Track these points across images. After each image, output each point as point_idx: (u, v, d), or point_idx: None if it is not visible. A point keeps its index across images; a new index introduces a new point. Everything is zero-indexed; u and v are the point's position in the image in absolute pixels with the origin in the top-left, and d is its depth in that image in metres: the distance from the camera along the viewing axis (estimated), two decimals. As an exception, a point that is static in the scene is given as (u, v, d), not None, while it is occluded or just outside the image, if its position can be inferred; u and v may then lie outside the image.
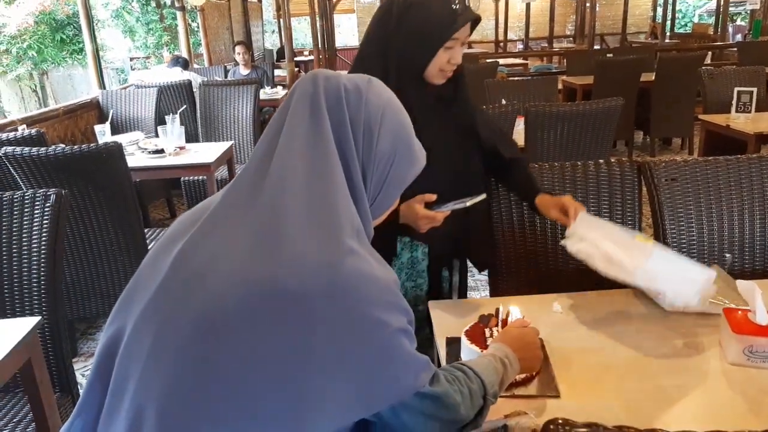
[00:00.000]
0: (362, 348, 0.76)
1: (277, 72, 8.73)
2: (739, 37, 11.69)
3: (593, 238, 1.39)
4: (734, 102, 3.87)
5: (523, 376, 1.17)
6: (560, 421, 0.68)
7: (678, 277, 1.32)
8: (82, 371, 2.68)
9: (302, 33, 16.17)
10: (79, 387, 1.89)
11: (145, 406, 0.75)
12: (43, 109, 4.52)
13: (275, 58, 11.20)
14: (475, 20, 1.42)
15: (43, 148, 2.46)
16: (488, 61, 6.91)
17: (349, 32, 17.20)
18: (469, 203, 1.36)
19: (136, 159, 3.21)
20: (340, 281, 0.75)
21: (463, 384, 0.91)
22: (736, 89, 3.89)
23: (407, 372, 0.80)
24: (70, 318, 2.75)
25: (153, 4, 9.69)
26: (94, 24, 5.13)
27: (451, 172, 1.49)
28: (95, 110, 4.63)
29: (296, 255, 0.75)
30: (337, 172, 0.82)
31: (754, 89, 3.84)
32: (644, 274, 1.32)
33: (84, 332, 3.05)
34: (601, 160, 1.83)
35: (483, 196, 1.40)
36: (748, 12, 12.79)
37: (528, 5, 12.99)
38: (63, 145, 2.56)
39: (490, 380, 0.96)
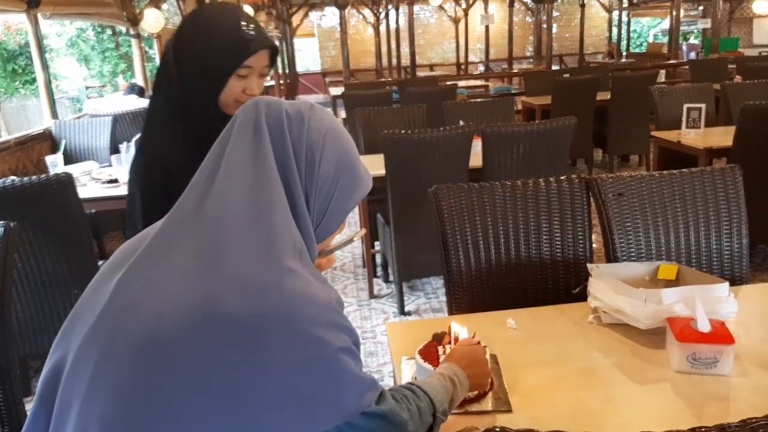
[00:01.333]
0: (303, 368, 0.76)
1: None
2: (693, 55, 12.14)
3: (602, 295, 1.47)
4: (684, 118, 4.00)
5: (475, 393, 1.17)
6: (497, 429, 0.70)
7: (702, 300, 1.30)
8: (36, 409, 2.60)
9: (264, 59, 16.18)
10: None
11: (89, 428, 0.74)
12: (-6, 141, 4.43)
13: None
14: (273, 48, 1.38)
15: (-8, 181, 2.41)
16: (448, 84, 7.02)
17: (310, 56, 17.31)
18: (355, 239, 1.38)
19: (89, 189, 3.16)
20: (278, 301, 0.75)
21: (411, 402, 0.91)
22: (685, 106, 4.03)
23: (351, 391, 0.80)
24: (23, 355, 2.66)
25: (108, 32, 9.61)
26: (47, 53, 5.06)
27: None
28: (48, 141, 4.55)
29: (235, 277, 0.76)
30: (278, 194, 0.83)
31: (703, 105, 3.99)
32: (655, 315, 1.34)
33: (38, 370, 2.95)
34: (551, 178, 1.87)
35: (364, 231, 1.43)
36: (700, 30, 13.30)
37: (487, 28, 13.28)
38: (13, 177, 2.50)
39: (439, 398, 0.97)
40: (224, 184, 0.82)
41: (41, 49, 4.82)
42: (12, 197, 2.41)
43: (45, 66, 4.84)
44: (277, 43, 1.40)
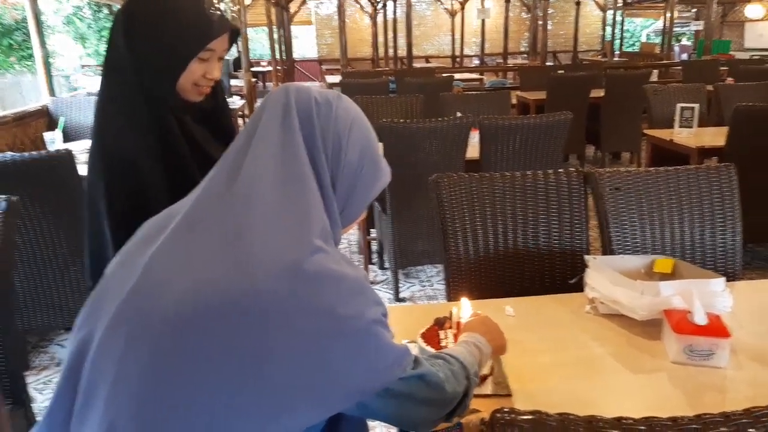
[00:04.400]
0: (338, 342, 0.78)
1: (233, 82, 8.67)
2: (685, 56, 12.20)
3: (600, 286, 1.50)
4: (677, 117, 4.05)
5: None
6: (506, 410, 0.72)
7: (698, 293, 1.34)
8: (34, 384, 2.60)
9: (260, 43, 16.14)
10: (32, 400, 1.84)
11: (120, 407, 0.75)
12: (-10, 116, 4.40)
13: (232, 68, 11.13)
14: (235, 32, 1.32)
15: (-9, 156, 2.40)
16: (444, 75, 7.04)
17: (307, 43, 17.25)
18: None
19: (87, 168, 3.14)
20: (308, 278, 0.77)
21: (444, 367, 0.94)
22: (678, 105, 4.08)
23: (387, 360, 0.83)
24: (21, 330, 2.67)
25: (105, 10, 9.51)
26: (44, 30, 5.01)
27: None
28: (45, 118, 4.52)
29: (265, 256, 0.77)
30: (308, 178, 0.85)
31: (696, 105, 4.04)
32: (652, 306, 1.37)
33: (36, 345, 2.95)
34: (550, 170, 1.90)
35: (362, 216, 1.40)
36: (693, 32, 13.38)
37: (483, 22, 13.26)
38: (11, 153, 2.50)
39: (469, 361, 1.00)
40: (253, 167, 0.84)
41: (39, 26, 4.77)
42: (12, 173, 2.40)
43: (43, 43, 4.80)
44: (238, 25, 1.35)
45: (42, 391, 2.60)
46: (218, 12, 1.25)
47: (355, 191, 0.92)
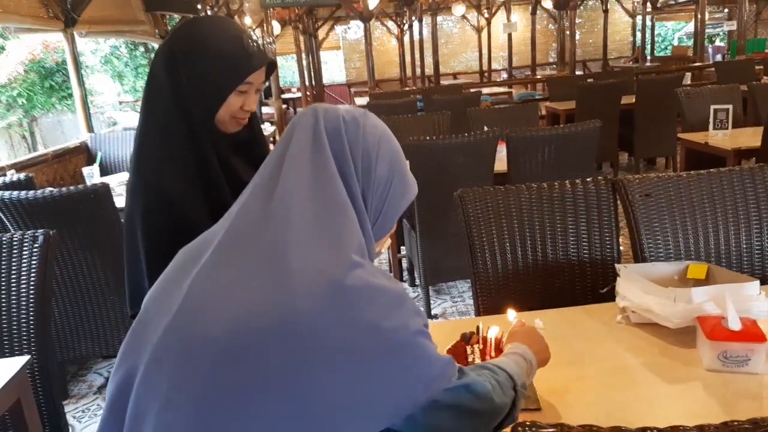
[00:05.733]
0: (385, 355, 0.78)
1: (264, 109, 8.84)
2: (719, 57, 11.95)
3: (631, 295, 1.46)
4: (711, 120, 3.96)
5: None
6: (527, 423, 0.71)
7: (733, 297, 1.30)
8: (73, 413, 2.66)
9: (290, 70, 16.43)
10: (70, 429, 1.88)
11: None
12: (33, 155, 4.58)
13: (263, 95, 11.37)
14: (271, 64, 1.32)
15: (31, 192, 2.49)
16: (472, 91, 7.04)
17: (335, 68, 17.50)
18: (383, 249, 1.39)
19: (124, 199, 3.23)
20: (350, 293, 0.78)
21: (489, 376, 0.92)
22: (712, 107, 3.99)
23: (434, 369, 0.82)
24: (60, 360, 2.74)
25: (141, 48, 9.85)
26: (83, 70, 5.22)
27: None
28: (84, 153, 4.69)
29: (306, 272, 0.78)
30: (342, 193, 0.86)
31: (730, 106, 3.94)
32: (685, 314, 1.34)
33: (75, 374, 3.03)
34: (578, 180, 1.88)
35: (389, 242, 1.37)
36: (726, 33, 13.11)
37: (510, 35, 13.26)
38: (51, 189, 2.59)
39: (517, 372, 0.98)
40: (287, 186, 0.85)
41: (77, 66, 4.98)
42: (51, 207, 2.49)
43: (81, 82, 5.00)
44: (274, 58, 1.35)
45: (80, 419, 2.65)
46: (256, 45, 1.27)
47: (385, 205, 0.93)
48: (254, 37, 1.27)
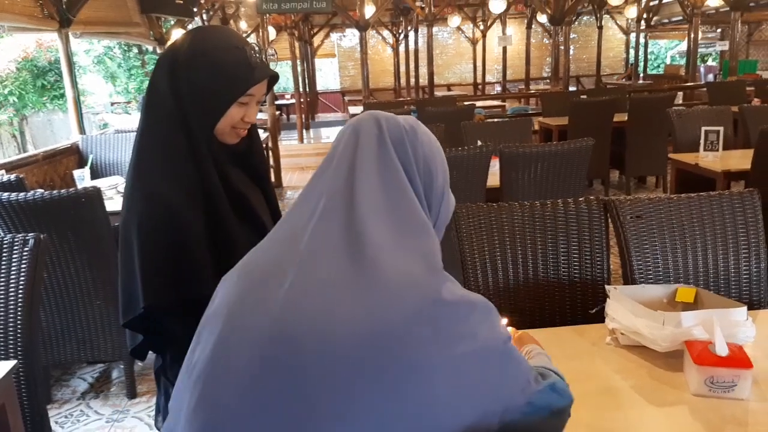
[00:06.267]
0: (487, 363, 0.78)
1: (258, 115, 8.80)
2: (711, 77, 12.09)
3: (620, 317, 1.47)
4: (702, 141, 4.00)
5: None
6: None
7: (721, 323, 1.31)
8: (56, 418, 2.64)
9: (284, 77, 16.42)
10: (53, 434, 1.86)
11: None
12: (23, 155, 4.55)
13: (257, 102, 11.32)
14: (273, 77, 1.32)
15: (21, 194, 2.47)
16: (466, 103, 7.07)
17: (330, 75, 17.53)
18: None
19: (115, 203, 3.22)
20: (449, 306, 0.78)
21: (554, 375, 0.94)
22: (703, 128, 4.03)
23: (527, 372, 0.84)
24: (45, 364, 2.71)
25: (135, 50, 9.82)
26: (76, 70, 5.19)
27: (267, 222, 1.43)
28: (75, 155, 4.66)
29: (403, 286, 0.77)
30: (417, 206, 0.86)
31: (721, 128, 3.98)
32: (673, 338, 1.35)
33: (58, 379, 3.00)
34: (570, 199, 1.89)
35: None
36: (719, 52, 13.28)
37: (505, 49, 13.35)
38: (42, 191, 2.57)
39: (556, 369, 1.01)
40: (365, 202, 0.82)
41: (71, 67, 4.96)
42: (41, 209, 2.47)
43: (74, 83, 4.97)
44: (276, 70, 1.35)
45: (63, 425, 2.63)
46: (259, 57, 1.26)
47: (440, 216, 0.93)
48: (257, 49, 1.27)
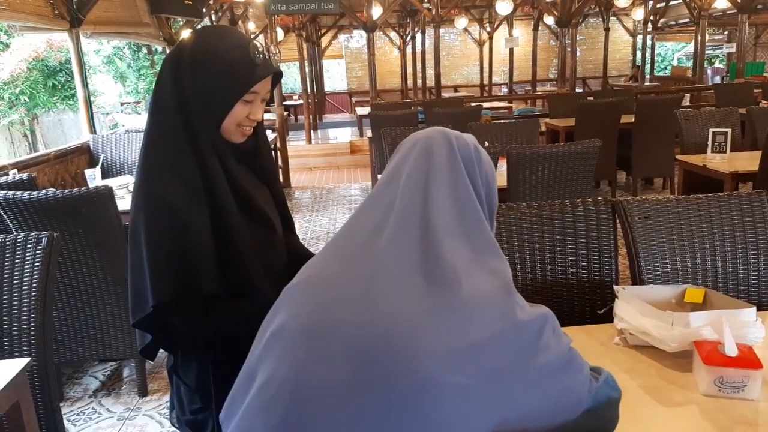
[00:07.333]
0: (564, 371, 0.85)
1: (266, 116, 8.84)
2: (718, 79, 12.04)
3: (629, 317, 1.49)
4: (710, 142, 4.00)
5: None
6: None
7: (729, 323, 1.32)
8: (68, 416, 2.66)
9: (291, 78, 16.46)
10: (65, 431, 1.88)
11: None
12: (34, 154, 4.58)
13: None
14: (277, 74, 1.33)
15: (33, 192, 2.49)
16: (473, 104, 7.08)
17: (337, 76, 17.57)
18: None
19: (126, 202, 3.24)
20: (525, 325, 0.82)
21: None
22: (711, 130, 4.02)
23: (587, 373, 0.90)
24: (57, 362, 2.74)
25: (144, 50, 9.87)
26: (86, 70, 5.23)
27: (275, 220, 1.45)
28: (86, 155, 4.70)
29: (484, 308, 0.80)
30: (487, 226, 0.89)
31: (729, 130, 3.98)
32: (682, 338, 1.36)
33: (70, 377, 3.03)
34: (578, 200, 1.90)
35: None
36: (725, 54, 13.23)
37: (511, 50, 13.34)
38: (54, 189, 2.59)
39: None
40: (441, 220, 0.84)
41: (82, 67, 4.99)
42: (53, 208, 2.49)
43: (85, 83, 5.01)
44: (280, 68, 1.36)
45: (75, 422, 2.65)
46: (262, 55, 1.27)
47: (492, 230, 0.94)
48: (260, 47, 1.27)
